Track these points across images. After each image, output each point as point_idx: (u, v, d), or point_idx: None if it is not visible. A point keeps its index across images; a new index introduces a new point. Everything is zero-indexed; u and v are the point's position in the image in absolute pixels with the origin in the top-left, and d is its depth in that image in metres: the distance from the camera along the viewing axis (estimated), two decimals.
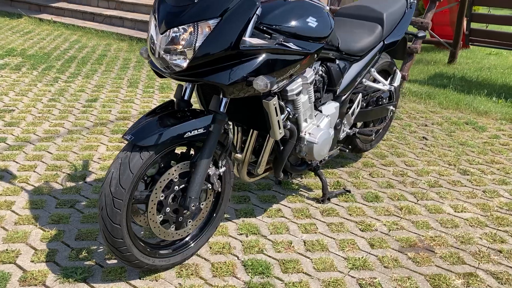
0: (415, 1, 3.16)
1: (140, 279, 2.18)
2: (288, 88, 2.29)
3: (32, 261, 2.25)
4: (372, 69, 2.97)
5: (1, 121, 3.87)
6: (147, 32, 2.13)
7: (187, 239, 2.28)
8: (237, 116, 2.37)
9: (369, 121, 3.37)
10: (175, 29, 1.90)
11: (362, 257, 2.42)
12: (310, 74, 2.38)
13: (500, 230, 2.72)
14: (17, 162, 3.20)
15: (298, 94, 2.33)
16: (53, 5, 8.57)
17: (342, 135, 2.92)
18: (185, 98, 2.19)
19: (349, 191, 3.01)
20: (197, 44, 1.89)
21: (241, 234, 2.56)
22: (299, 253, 2.43)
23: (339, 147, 2.95)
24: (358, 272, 2.32)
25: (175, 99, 2.20)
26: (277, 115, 2.22)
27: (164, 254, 2.19)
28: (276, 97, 2.18)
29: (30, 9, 8.94)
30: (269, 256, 2.39)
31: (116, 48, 6.65)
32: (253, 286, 2.17)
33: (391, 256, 2.45)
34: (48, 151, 3.38)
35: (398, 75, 3.14)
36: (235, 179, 2.97)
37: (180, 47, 1.90)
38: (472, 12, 5.76)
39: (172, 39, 1.90)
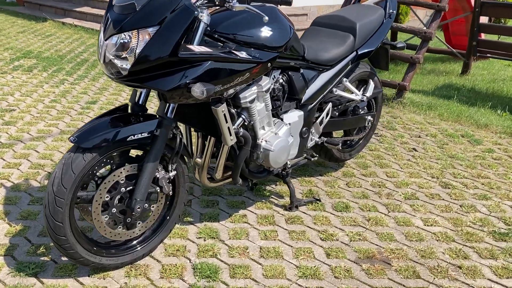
0: (394, 11, 3.14)
1: (88, 276, 2.25)
2: (241, 95, 2.32)
3: None
4: (344, 79, 2.96)
5: (0, 120, 4.05)
6: None
7: (137, 240, 2.34)
8: (193, 122, 2.41)
9: (347, 131, 3.36)
10: (121, 35, 1.97)
11: (315, 266, 2.41)
12: (265, 82, 2.41)
13: (467, 246, 2.66)
14: (4, 160, 3.34)
15: (252, 101, 2.36)
16: (77, 9, 8.86)
17: (310, 144, 2.92)
18: (140, 102, 2.25)
19: (319, 200, 3.01)
20: (137, 51, 1.95)
21: (200, 237, 2.60)
22: (252, 259, 2.45)
23: (305, 155, 2.95)
24: (306, 281, 2.32)
25: (129, 103, 2.26)
26: (226, 122, 2.25)
27: (112, 253, 2.25)
28: (224, 104, 2.22)
29: (55, 13, 9.27)
30: (221, 261, 2.42)
31: None
32: None
33: (344, 266, 2.43)
34: (36, 150, 3.51)
35: (371, 86, 3.11)
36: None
37: (122, 53, 1.96)
38: (480, 23, 5.62)
39: (115, 45, 1.97)
